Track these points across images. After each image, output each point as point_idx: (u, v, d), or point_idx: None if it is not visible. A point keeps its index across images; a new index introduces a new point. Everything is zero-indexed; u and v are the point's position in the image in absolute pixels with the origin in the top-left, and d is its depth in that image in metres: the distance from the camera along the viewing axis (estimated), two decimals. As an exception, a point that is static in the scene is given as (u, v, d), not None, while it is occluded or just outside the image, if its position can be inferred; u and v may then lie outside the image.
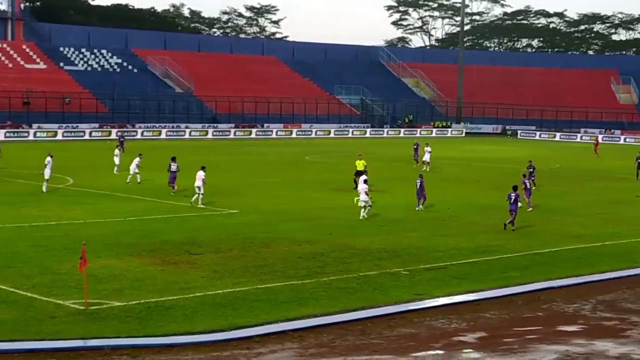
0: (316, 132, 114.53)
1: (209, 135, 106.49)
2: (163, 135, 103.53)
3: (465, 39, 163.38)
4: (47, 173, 46.02)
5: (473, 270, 28.10)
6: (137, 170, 50.72)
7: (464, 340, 20.25)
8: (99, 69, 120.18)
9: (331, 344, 19.66)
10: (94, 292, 22.79)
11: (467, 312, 22.84)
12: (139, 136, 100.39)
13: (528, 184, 44.28)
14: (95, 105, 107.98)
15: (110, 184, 49.43)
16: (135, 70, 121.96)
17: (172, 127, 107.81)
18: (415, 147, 69.38)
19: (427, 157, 64.41)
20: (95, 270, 25.15)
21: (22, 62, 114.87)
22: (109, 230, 33.59)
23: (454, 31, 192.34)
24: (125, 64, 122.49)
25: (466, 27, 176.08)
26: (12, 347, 18.62)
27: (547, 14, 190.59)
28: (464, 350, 19.35)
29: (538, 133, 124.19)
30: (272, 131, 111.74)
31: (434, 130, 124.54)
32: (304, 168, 65.09)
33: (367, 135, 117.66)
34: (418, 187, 42.31)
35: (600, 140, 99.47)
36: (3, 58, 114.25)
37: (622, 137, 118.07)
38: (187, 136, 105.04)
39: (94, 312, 21.48)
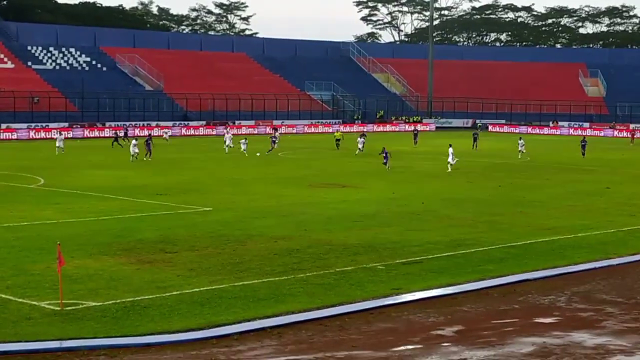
0: (287, 128, 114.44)
1: (180, 133, 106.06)
2: (134, 133, 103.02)
3: (434, 34, 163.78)
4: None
5: (449, 264, 28.17)
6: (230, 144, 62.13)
7: (442, 333, 20.30)
8: (68, 67, 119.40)
9: (310, 340, 19.64)
10: (69, 293, 22.61)
11: (444, 306, 22.90)
12: (109, 134, 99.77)
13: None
14: (65, 104, 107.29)
15: (82, 183, 49.11)
16: (104, 69, 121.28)
17: (143, 125, 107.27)
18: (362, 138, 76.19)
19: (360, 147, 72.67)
20: (70, 271, 24.95)
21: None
22: (82, 230, 33.36)
23: (424, 26, 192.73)
24: (94, 62, 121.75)
25: (435, 22, 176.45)
26: (-12, 350, 18.48)
27: (515, 8, 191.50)
28: (443, 344, 19.39)
29: (508, 126, 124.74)
30: (243, 128, 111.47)
31: (406, 125, 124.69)
32: (277, 164, 64.98)
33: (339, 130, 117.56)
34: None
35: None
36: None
37: (590, 130, 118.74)
38: (157, 134, 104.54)
39: (69, 312, 21.31)
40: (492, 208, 41.56)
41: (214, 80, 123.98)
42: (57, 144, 73.38)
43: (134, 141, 66.37)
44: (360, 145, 74.08)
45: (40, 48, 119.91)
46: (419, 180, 53.88)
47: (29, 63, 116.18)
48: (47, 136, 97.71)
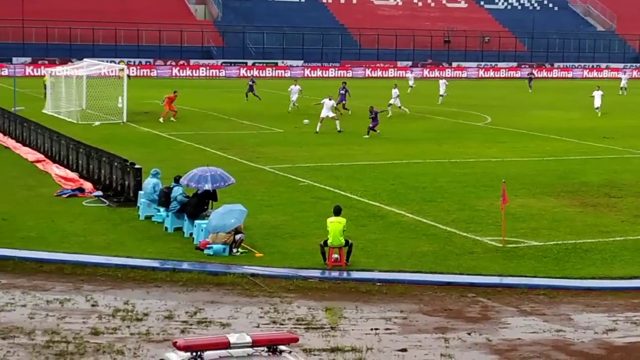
0: None
1: (632, 76, 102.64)
2: (582, 75, 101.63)
3: None
4: (323, 112, 43.99)
5: None
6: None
7: None
8: (519, 7, 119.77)
9: None
10: (511, 231, 22.88)
11: None
12: (555, 75, 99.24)
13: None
14: (514, 44, 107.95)
15: (528, 123, 49.28)
16: (555, 8, 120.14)
17: (592, 67, 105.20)
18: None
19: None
20: (512, 209, 25.17)
21: (444, 2, 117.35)
22: (526, 170, 33.50)
23: None
24: (545, 2, 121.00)
25: None
26: (433, 279, 19.23)
27: None
28: None
29: None
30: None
31: None
32: None
33: None
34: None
35: None
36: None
37: None
38: (605, 76, 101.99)
39: (511, 250, 21.58)
40: None
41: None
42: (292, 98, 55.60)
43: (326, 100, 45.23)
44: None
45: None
46: None
47: (482, 3, 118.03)
48: (496, 75, 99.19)
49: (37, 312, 16.65)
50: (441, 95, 62.81)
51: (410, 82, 74.09)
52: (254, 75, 60.80)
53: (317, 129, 43.35)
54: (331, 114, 44.03)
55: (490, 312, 17.27)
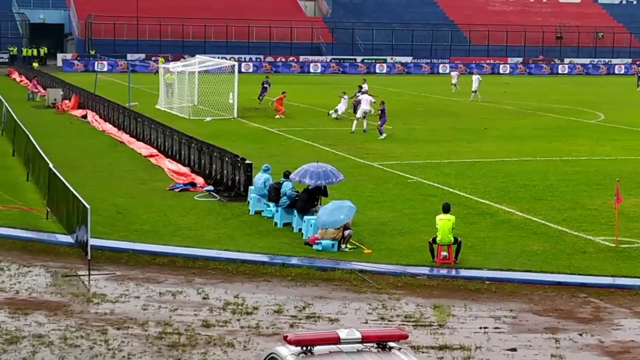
0: None
1: None
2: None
3: None
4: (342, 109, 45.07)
5: None
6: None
7: None
8: (635, 1, 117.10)
9: None
10: (624, 231, 22.41)
11: None
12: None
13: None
14: (629, 40, 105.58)
15: (643, 121, 48.19)
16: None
17: None
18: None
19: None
20: (626, 209, 24.60)
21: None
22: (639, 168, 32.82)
23: None
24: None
25: None
26: (543, 279, 18.98)
27: None
28: None
29: None
30: None
31: None
32: None
33: None
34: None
35: None
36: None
37: None
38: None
39: (624, 250, 21.15)
40: None
41: None
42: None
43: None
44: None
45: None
46: None
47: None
48: (610, 72, 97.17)
49: (150, 304, 17.02)
50: (473, 92, 60.09)
51: (453, 80, 68.09)
52: (268, 77, 57.90)
53: (365, 128, 41.44)
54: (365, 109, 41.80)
55: (603, 313, 16.98)
